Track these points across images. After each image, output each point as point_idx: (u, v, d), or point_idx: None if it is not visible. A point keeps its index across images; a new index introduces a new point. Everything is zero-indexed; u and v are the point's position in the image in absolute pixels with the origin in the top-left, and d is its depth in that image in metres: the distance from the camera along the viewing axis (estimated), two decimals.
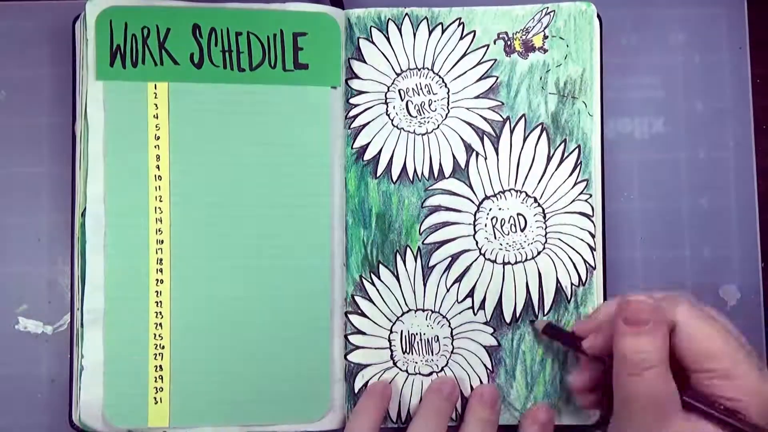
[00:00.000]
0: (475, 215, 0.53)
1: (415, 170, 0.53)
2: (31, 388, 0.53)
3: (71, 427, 0.51)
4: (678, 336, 0.44)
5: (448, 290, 0.53)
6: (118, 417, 0.50)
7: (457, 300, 0.53)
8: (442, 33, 0.54)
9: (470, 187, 0.53)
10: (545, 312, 0.53)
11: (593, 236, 0.53)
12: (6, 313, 0.54)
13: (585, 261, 0.53)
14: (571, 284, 0.53)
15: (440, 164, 0.53)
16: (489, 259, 0.53)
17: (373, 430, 0.50)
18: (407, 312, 0.53)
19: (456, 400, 0.52)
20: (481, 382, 0.53)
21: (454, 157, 0.53)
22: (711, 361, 0.43)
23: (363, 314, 0.53)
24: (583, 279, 0.53)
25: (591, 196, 0.53)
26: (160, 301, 0.50)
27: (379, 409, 0.51)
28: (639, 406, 0.43)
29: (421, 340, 0.53)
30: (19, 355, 0.53)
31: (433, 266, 0.53)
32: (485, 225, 0.53)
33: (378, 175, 0.53)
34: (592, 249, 0.53)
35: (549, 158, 0.53)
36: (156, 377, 0.50)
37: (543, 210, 0.53)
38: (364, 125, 0.53)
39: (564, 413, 0.53)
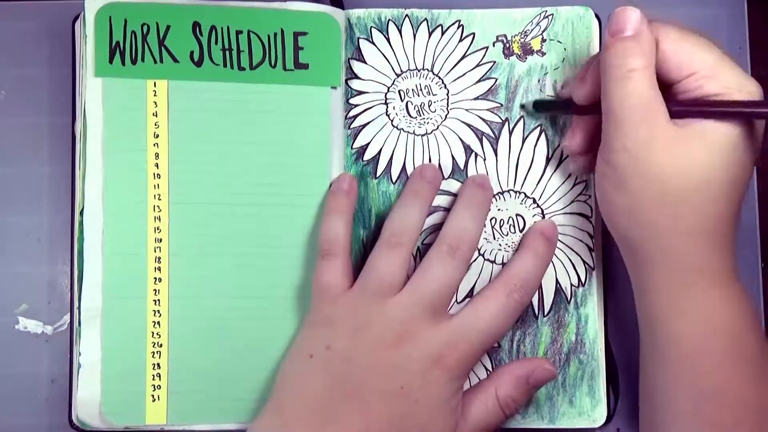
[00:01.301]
0: None
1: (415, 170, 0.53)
2: (31, 388, 0.53)
3: (71, 427, 0.51)
4: (663, 52, 0.44)
5: None
6: (116, 414, 0.50)
7: (456, 300, 0.53)
8: (442, 34, 0.54)
9: None
10: (545, 313, 0.53)
11: (592, 237, 0.53)
12: (6, 313, 0.54)
13: (584, 262, 0.53)
14: (571, 285, 0.53)
15: (440, 165, 0.53)
16: (488, 260, 0.53)
17: (347, 229, 0.50)
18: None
19: (439, 185, 0.53)
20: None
21: (453, 158, 0.53)
22: (695, 65, 0.43)
23: None
24: (583, 279, 0.53)
25: (590, 197, 0.53)
26: (158, 300, 0.50)
27: (350, 206, 0.51)
28: (627, 111, 0.43)
29: None
30: (19, 355, 0.53)
31: None
32: (485, 225, 0.53)
33: (378, 175, 0.53)
34: (591, 250, 0.53)
35: (548, 159, 0.53)
36: (154, 375, 0.50)
37: (542, 211, 0.53)
38: (364, 125, 0.53)
39: (566, 416, 0.53)
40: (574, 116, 0.51)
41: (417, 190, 0.51)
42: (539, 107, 0.53)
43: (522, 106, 0.53)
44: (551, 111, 0.53)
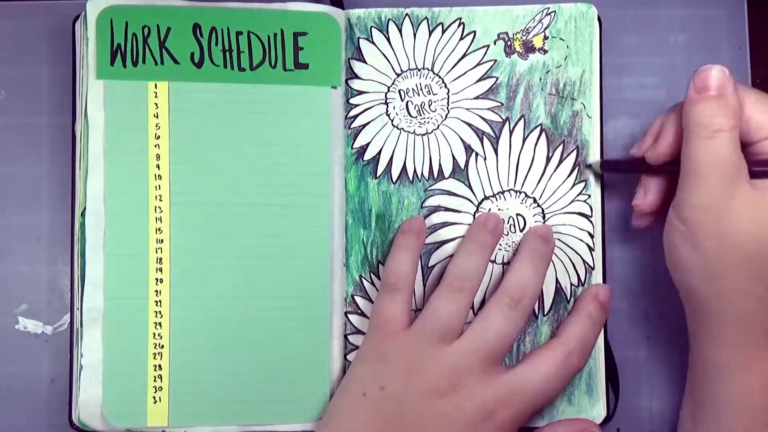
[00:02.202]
0: (474, 215, 0.53)
1: (414, 170, 0.53)
2: (31, 388, 0.53)
3: (71, 427, 0.51)
4: (744, 114, 0.44)
5: None
6: (118, 416, 0.50)
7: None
8: (443, 33, 0.54)
9: (470, 187, 0.53)
10: (545, 312, 0.53)
11: (592, 237, 0.53)
12: (6, 313, 0.54)
13: (584, 261, 0.53)
14: (571, 284, 0.53)
15: (440, 164, 0.53)
16: (489, 260, 0.53)
17: (414, 266, 0.51)
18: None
19: (500, 235, 0.52)
20: None
21: (453, 157, 0.53)
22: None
23: (363, 314, 0.53)
24: (583, 279, 0.53)
25: (590, 196, 0.53)
26: (160, 301, 0.50)
27: (418, 244, 0.52)
28: (709, 171, 0.43)
29: None
30: (19, 355, 0.53)
31: (433, 266, 0.53)
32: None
33: (378, 175, 0.53)
34: (591, 249, 0.53)
35: (548, 159, 0.53)
36: (155, 376, 0.50)
37: (542, 210, 0.53)
38: (364, 125, 0.53)
39: (565, 414, 0.53)
40: (644, 175, 0.51)
41: (480, 239, 0.51)
42: (606, 167, 0.53)
43: (588, 166, 0.53)
44: (620, 171, 0.53)
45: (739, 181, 0.43)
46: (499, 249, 0.53)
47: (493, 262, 0.53)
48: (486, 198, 0.53)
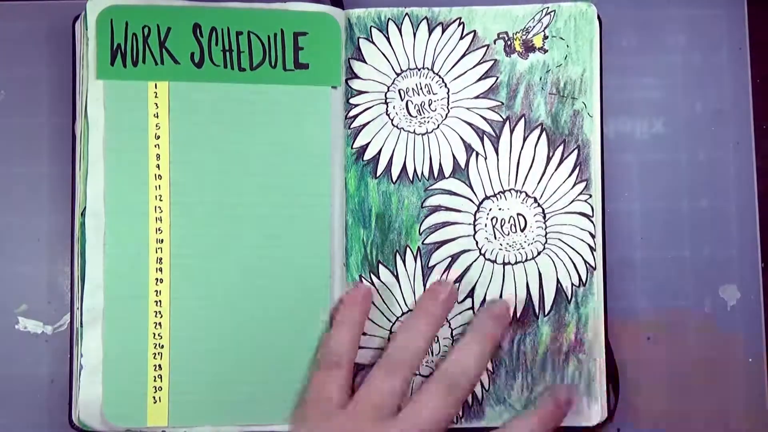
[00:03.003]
0: (475, 215, 0.53)
1: (415, 170, 0.53)
2: (31, 388, 0.53)
3: (71, 427, 0.51)
4: None
5: None
6: (117, 416, 0.50)
7: (457, 300, 0.53)
8: (442, 33, 0.54)
9: (470, 187, 0.53)
10: (546, 312, 0.53)
11: (593, 236, 0.53)
12: (6, 313, 0.54)
13: (585, 261, 0.53)
14: (572, 284, 0.53)
15: (440, 164, 0.53)
16: (489, 260, 0.53)
17: (355, 342, 0.50)
18: (407, 312, 0.53)
19: (452, 306, 0.52)
20: (481, 383, 0.53)
21: (454, 157, 0.53)
22: None
23: None
24: (584, 279, 0.53)
25: (591, 196, 0.53)
26: (160, 301, 0.50)
27: (361, 320, 0.51)
28: None
29: None
30: (19, 355, 0.53)
31: (433, 266, 0.53)
32: (485, 225, 0.53)
33: (378, 175, 0.53)
34: (592, 249, 0.53)
35: (549, 158, 0.53)
36: (155, 376, 0.50)
37: (543, 210, 0.53)
38: (364, 125, 0.53)
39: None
40: None
41: (430, 311, 0.51)
42: None
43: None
44: None
45: None
46: (500, 249, 0.53)
47: (494, 261, 0.53)
48: (486, 197, 0.53)
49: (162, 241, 0.50)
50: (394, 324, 0.53)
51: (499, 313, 0.52)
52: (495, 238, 0.53)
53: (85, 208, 0.50)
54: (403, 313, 0.53)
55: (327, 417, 0.48)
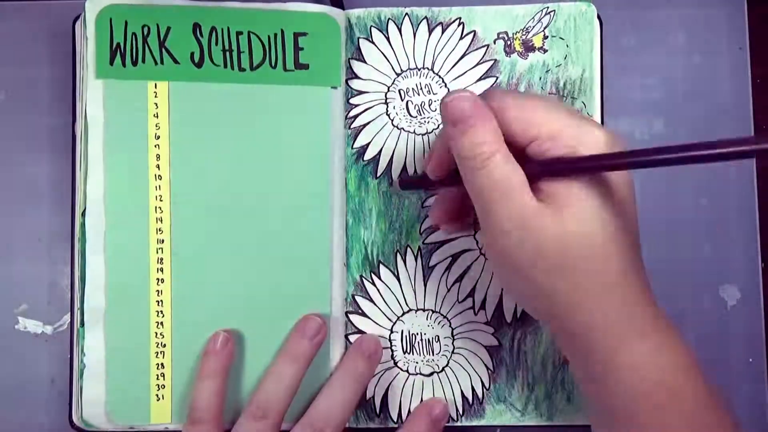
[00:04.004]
0: (475, 215, 0.53)
1: (415, 170, 0.53)
2: (31, 388, 0.53)
3: (71, 427, 0.51)
4: (502, 119, 0.42)
5: (448, 290, 0.53)
6: (121, 414, 0.50)
7: (457, 300, 0.53)
8: (442, 33, 0.54)
9: None
10: None
11: None
12: (6, 313, 0.54)
13: None
14: None
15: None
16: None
17: (219, 394, 0.49)
18: (408, 312, 0.53)
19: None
20: (482, 382, 0.53)
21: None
22: (533, 128, 0.42)
23: (363, 314, 0.53)
24: None
25: None
26: (161, 300, 0.50)
27: (223, 369, 0.50)
28: (494, 196, 0.41)
29: (421, 340, 0.53)
30: (19, 355, 0.53)
31: (434, 266, 0.53)
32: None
33: (378, 175, 0.53)
34: None
35: None
36: (158, 375, 0.50)
37: None
38: (365, 125, 0.53)
39: (564, 412, 0.53)
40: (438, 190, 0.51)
41: (293, 352, 0.50)
42: (404, 185, 0.51)
43: (390, 184, 0.53)
44: (415, 188, 0.52)
45: (524, 198, 0.41)
46: None
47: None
48: None
49: (162, 241, 0.50)
50: (394, 324, 0.53)
51: (370, 353, 0.51)
52: None
53: (85, 208, 0.50)
54: (404, 313, 0.53)
55: None
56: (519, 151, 0.42)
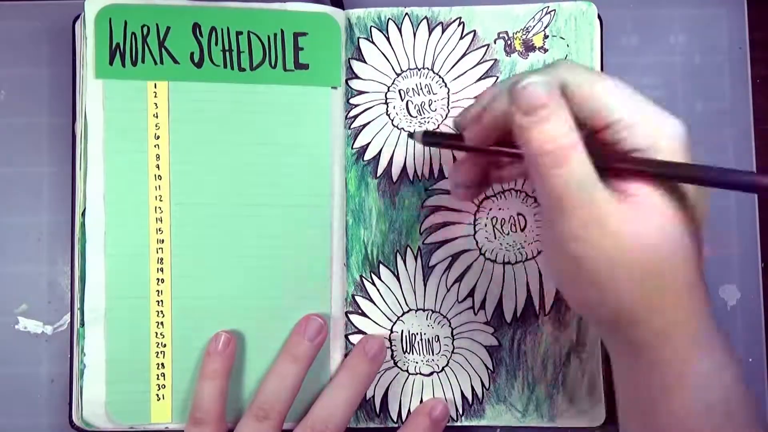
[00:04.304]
0: (475, 215, 0.53)
1: (415, 170, 0.53)
2: (31, 388, 0.53)
3: (71, 427, 0.51)
4: (571, 98, 0.39)
5: (448, 290, 0.53)
6: (121, 414, 0.50)
7: (457, 300, 0.53)
8: (443, 32, 0.54)
9: None
10: (546, 312, 0.53)
11: None
12: (6, 313, 0.54)
13: None
14: None
15: (440, 164, 0.53)
16: (489, 259, 0.53)
17: (220, 395, 0.49)
18: (408, 312, 0.53)
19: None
20: (482, 382, 0.53)
21: (454, 156, 0.53)
22: (612, 112, 0.39)
23: (363, 314, 0.53)
24: None
25: None
26: (161, 300, 0.50)
27: (224, 370, 0.50)
28: (569, 196, 0.38)
29: (421, 339, 0.53)
30: (19, 355, 0.53)
31: (434, 266, 0.53)
32: (485, 225, 0.53)
33: (378, 175, 0.53)
34: None
35: None
36: (158, 375, 0.50)
37: None
38: (365, 125, 0.53)
39: (566, 414, 0.53)
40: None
41: (295, 352, 0.50)
42: (427, 140, 0.48)
43: (411, 135, 0.49)
44: (441, 146, 0.50)
45: (602, 199, 0.38)
46: (500, 248, 0.53)
47: (494, 261, 0.53)
48: (486, 197, 0.53)
49: (162, 240, 0.50)
50: (394, 324, 0.53)
51: (374, 354, 0.51)
52: (495, 237, 0.53)
53: (85, 208, 0.50)
54: (403, 313, 0.53)
55: None
56: (585, 133, 0.39)
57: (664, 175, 0.39)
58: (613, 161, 0.39)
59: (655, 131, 0.39)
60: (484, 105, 0.43)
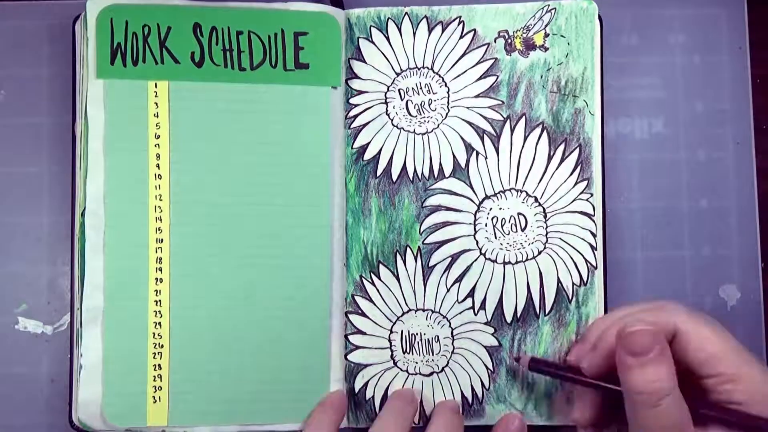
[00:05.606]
0: (475, 215, 0.53)
1: (415, 170, 0.53)
2: (31, 388, 0.53)
3: (71, 427, 0.51)
4: (680, 344, 0.43)
5: (448, 290, 0.53)
6: (117, 416, 0.50)
7: (457, 300, 0.53)
8: (442, 32, 0.54)
9: (470, 186, 0.53)
10: (546, 312, 0.53)
11: (594, 236, 0.53)
12: (6, 313, 0.54)
13: (586, 260, 0.53)
14: (572, 284, 0.53)
15: (440, 164, 0.53)
16: (489, 259, 0.53)
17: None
18: (407, 312, 0.53)
19: (417, 407, 0.52)
20: (481, 381, 0.53)
21: (454, 156, 0.53)
22: (718, 365, 0.42)
23: (363, 314, 0.53)
24: (585, 279, 0.53)
25: (592, 195, 0.53)
26: (160, 301, 0.50)
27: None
28: None
29: (421, 340, 0.53)
30: (19, 355, 0.53)
31: (434, 266, 0.53)
32: (485, 225, 0.53)
33: (378, 175, 0.53)
34: (594, 248, 0.53)
35: (549, 158, 0.53)
36: (155, 376, 0.50)
37: (544, 209, 0.53)
38: (364, 125, 0.53)
39: (564, 413, 0.53)
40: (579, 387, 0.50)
41: (401, 410, 0.51)
42: (534, 366, 0.51)
43: (517, 359, 0.52)
44: (548, 374, 0.51)
45: None
46: (500, 248, 0.53)
47: (494, 261, 0.53)
48: (487, 197, 0.53)
49: (162, 240, 0.50)
50: (394, 324, 0.53)
51: (455, 407, 0.52)
52: (495, 237, 0.53)
53: (85, 208, 0.50)
54: (403, 313, 0.53)
55: None
56: (685, 376, 0.43)
57: (748, 428, 0.42)
58: (701, 407, 0.43)
59: (758, 393, 0.42)
60: (593, 339, 0.48)
